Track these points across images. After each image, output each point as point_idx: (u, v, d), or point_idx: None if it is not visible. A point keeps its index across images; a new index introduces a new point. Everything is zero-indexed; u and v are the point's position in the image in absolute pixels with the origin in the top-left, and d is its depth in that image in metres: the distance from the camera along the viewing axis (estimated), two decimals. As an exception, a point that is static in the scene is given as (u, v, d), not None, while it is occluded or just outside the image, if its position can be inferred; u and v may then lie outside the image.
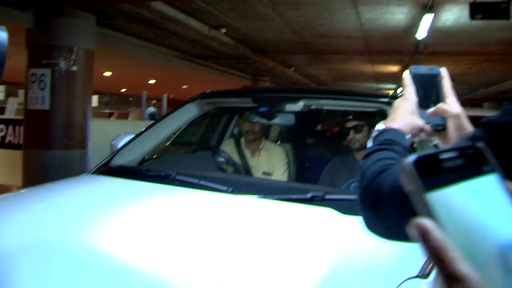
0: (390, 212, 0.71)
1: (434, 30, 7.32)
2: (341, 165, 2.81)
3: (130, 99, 22.45)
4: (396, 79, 16.61)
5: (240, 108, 3.16)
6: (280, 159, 3.15)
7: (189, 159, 3.01)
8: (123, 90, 20.71)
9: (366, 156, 0.90)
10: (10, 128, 7.01)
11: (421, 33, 7.36)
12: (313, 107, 2.74)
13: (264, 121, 2.68)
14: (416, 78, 0.98)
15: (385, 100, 2.50)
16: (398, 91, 20.09)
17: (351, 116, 2.70)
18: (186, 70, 12.01)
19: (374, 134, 1.12)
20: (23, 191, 2.20)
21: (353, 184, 2.69)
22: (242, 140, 3.25)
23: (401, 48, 9.57)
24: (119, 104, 19.09)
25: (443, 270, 0.36)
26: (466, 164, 0.43)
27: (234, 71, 14.15)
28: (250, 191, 1.93)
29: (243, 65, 12.26)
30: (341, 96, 2.80)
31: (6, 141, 7.03)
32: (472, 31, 7.64)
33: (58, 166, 5.91)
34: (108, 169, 2.36)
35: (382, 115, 2.64)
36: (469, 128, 0.96)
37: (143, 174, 2.20)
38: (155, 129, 2.78)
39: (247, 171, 2.97)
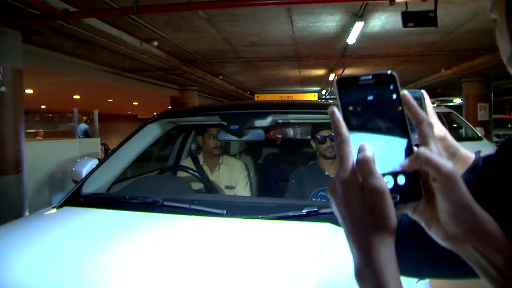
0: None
1: (362, 36, 7.66)
2: (306, 174, 2.86)
3: (50, 115, 21.43)
4: (321, 82, 17.15)
5: (200, 126, 3.15)
6: (241, 171, 3.18)
7: (158, 181, 2.95)
8: (43, 106, 19.78)
9: None
10: None
11: (351, 39, 7.67)
12: (280, 121, 2.78)
13: (234, 138, 2.68)
14: None
15: None
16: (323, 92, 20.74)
17: (328, 125, 2.76)
18: (113, 83, 11.72)
19: None
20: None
21: (320, 193, 2.76)
22: (200, 157, 3.25)
23: (329, 53, 9.90)
24: (42, 123, 18.14)
25: (337, 133, 0.55)
26: (376, 83, 0.60)
27: (162, 83, 13.97)
28: (244, 213, 1.93)
29: (172, 76, 12.14)
30: (305, 110, 2.86)
31: None
32: (396, 35, 8.07)
33: (-8, 193, 5.57)
34: (86, 200, 2.23)
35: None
36: (456, 145, 0.91)
37: (127, 202, 2.09)
38: (120, 153, 2.70)
39: (210, 188, 2.95)
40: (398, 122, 0.59)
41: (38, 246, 1.71)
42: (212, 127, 3.02)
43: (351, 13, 6.41)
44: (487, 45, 9.22)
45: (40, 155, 6.69)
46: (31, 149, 6.23)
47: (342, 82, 0.60)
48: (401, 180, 0.57)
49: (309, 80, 16.68)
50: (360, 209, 0.54)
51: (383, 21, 6.99)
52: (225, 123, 2.60)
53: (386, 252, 0.53)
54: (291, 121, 2.88)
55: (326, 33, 7.83)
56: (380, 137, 0.58)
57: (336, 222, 1.71)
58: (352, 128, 0.58)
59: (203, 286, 1.31)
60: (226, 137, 2.70)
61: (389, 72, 0.61)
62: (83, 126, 13.86)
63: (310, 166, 2.90)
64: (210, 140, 3.07)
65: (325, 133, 2.75)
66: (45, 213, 2.26)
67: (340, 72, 13.16)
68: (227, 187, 3.12)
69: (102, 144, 9.50)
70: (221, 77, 14.15)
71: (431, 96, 0.98)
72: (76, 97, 15.52)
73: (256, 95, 20.24)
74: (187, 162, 3.28)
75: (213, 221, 1.88)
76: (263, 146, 4.14)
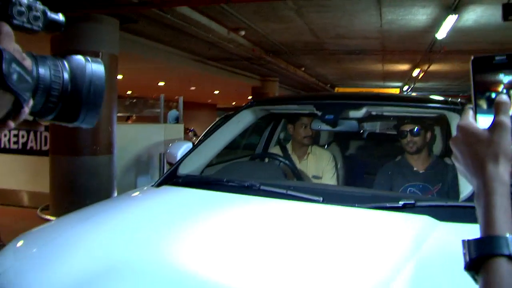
0: None
1: (453, 30, 7.33)
2: (394, 169, 2.80)
3: (134, 101, 22.37)
4: (403, 77, 16.64)
5: (292, 114, 3.15)
6: (328, 162, 3.17)
7: (250, 166, 3.00)
8: (129, 92, 20.69)
9: None
10: (32, 134, 7.01)
11: (442, 33, 7.36)
12: (374, 113, 2.73)
13: (328, 128, 2.67)
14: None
15: (447, 106, 2.50)
16: (405, 88, 20.08)
17: (409, 119, 2.69)
18: (197, 71, 12.01)
19: None
20: (93, 207, 2.11)
21: (409, 189, 2.69)
22: (288, 146, 3.25)
23: (416, 47, 9.59)
24: (131, 107, 19.02)
25: (498, 117, 0.67)
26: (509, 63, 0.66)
27: (243, 72, 14.16)
28: (340, 201, 1.92)
29: (255, 66, 12.27)
30: (403, 103, 2.80)
31: (28, 147, 7.03)
32: (490, 30, 7.66)
33: (86, 172, 5.91)
34: (184, 180, 2.31)
35: (443, 121, 2.65)
36: None
37: (224, 185, 2.16)
38: (214, 138, 2.77)
39: (298, 177, 2.96)
40: None
41: (145, 220, 1.79)
42: (305, 116, 3.01)
43: (444, 6, 6.14)
44: None
45: (128, 138, 7.00)
46: (120, 132, 6.53)
47: (477, 61, 0.70)
48: None
49: (391, 75, 16.25)
50: (480, 144, 0.68)
51: (478, 14, 6.65)
52: (318, 113, 2.59)
53: (499, 179, 0.66)
54: (384, 113, 2.81)
55: (415, 26, 7.57)
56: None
57: (433, 215, 1.69)
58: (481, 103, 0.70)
59: (301, 270, 1.31)
60: (320, 126, 2.70)
61: None
62: (175, 112, 14.29)
63: (398, 162, 2.83)
64: (301, 129, 3.07)
65: (406, 127, 2.68)
66: (147, 190, 2.34)
67: (425, 67, 12.67)
68: (314, 176, 3.12)
69: (191, 130, 9.79)
70: (303, 68, 14.11)
71: None
72: (161, 83, 16.08)
73: (336, 88, 20.00)
74: (275, 150, 3.31)
75: (310, 207, 1.89)
76: (351, 138, 4.10)
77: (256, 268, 1.33)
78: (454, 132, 2.31)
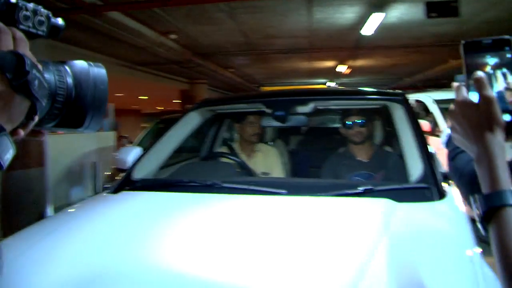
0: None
1: (378, 27, 7.67)
2: (339, 160, 2.89)
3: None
4: (328, 73, 17.15)
5: (239, 114, 3.18)
6: (276, 158, 3.23)
7: (204, 166, 2.99)
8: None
9: (453, 158, 1.23)
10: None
11: (367, 30, 7.68)
12: (321, 107, 2.82)
13: (278, 124, 2.72)
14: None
15: (389, 97, 2.63)
16: (330, 83, 20.71)
17: (356, 111, 2.79)
18: (125, 77, 11.74)
19: (445, 138, 1.33)
20: (52, 219, 2.01)
21: (356, 178, 2.79)
22: (235, 145, 3.28)
23: (342, 44, 9.92)
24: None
25: (481, 92, 0.78)
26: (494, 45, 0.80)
27: (172, 76, 14.01)
28: (303, 191, 1.97)
29: (184, 69, 12.17)
30: (348, 96, 2.91)
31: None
32: (412, 26, 8.09)
33: (17, 188, 5.62)
34: (143, 184, 2.26)
35: (386, 112, 2.79)
36: None
37: (185, 185, 2.14)
38: (163, 141, 2.74)
39: (250, 174, 3.00)
40: (510, 76, 0.80)
41: (108, 227, 1.74)
42: (252, 114, 3.05)
43: (370, 4, 6.42)
44: (495, 34, 9.18)
45: (59, 149, 6.72)
46: (51, 143, 6.25)
47: (467, 45, 0.83)
48: (507, 117, 0.79)
49: (317, 72, 16.68)
50: (475, 114, 0.79)
51: (401, 11, 7.01)
52: (267, 110, 2.65)
53: (497, 143, 0.78)
54: (330, 107, 2.91)
55: (343, 24, 7.86)
56: (495, 87, 0.80)
57: (391, 197, 1.79)
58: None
59: (283, 260, 1.34)
60: (270, 123, 2.75)
61: (506, 36, 0.82)
62: (110, 120, 13.87)
63: (342, 153, 2.93)
64: (249, 127, 3.11)
65: (352, 119, 2.78)
66: (106, 197, 2.26)
67: (350, 63, 13.17)
68: (263, 173, 3.16)
69: (125, 137, 9.55)
70: (232, 69, 14.18)
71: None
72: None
73: (263, 88, 20.24)
74: (223, 150, 3.32)
75: (277, 199, 1.92)
76: (294, 134, 4.18)
77: (240, 261, 1.33)
78: (396, 121, 2.46)
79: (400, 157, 2.68)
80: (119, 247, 1.52)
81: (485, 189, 0.78)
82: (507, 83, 0.82)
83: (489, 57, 0.81)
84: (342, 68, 14.65)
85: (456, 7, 5.17)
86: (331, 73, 17.08)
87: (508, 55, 0.81)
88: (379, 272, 1.24)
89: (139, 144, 7.38)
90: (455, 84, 0.85)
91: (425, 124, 4.45)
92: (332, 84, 20.78)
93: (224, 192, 2.04)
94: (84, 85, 0.71)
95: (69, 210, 2.12)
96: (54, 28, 0.71)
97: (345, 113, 2.85)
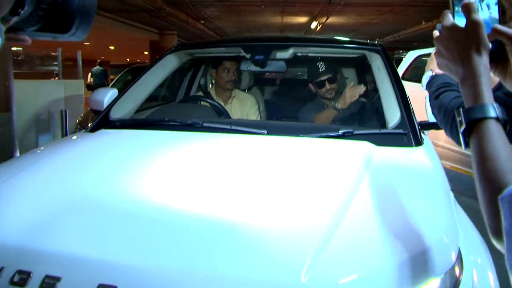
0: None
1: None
2: (314, 109, 2.93)
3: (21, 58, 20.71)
4: (301, 30, 17.05)
5: (214, 59, 3.16)
6: (252, 105, 3.23)
7: (182, 109, 2.96)
8: (14, 48, 19.11)
9: (437, 96, 1.27)
10: None
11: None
12: (299, 54, 2.82)
13: (257, 68, 2.72)
14: None
15: (367, 46, 2.65)
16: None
17: (324, 69, 2.81)
18: (93, 24, 11.34)
19: (426, 80, 1.39)
20: (31, 154, 1.98)
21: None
22: (211, 91, 3.27)
23: (316, -1, 9.83)
24: (26, 63, 17.61)
25: (470, 16, 0.82)
26: None
27: (142, 25, 13.66)
28: (283, 132, 1.99)
29: (154, 19, 11.88)
30: (327, 44, 2.89)
31: None
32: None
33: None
34: (122, 123, 2.23)
35: (363, 61, 2.82)
36: None
37: (166, 124, 2.13)
38: (140, 83, 2.70)
39: (227, 118, 3.00)
40: (493, 6, 0.87)
41: (89, 161, 1.73)
42: (228, 60, 3.03)
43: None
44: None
45: (26, 95, 6.55)
46: (17, 89, 6.07)
47: None
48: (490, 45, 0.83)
49: (289, 28, 16.57)
50: (464, 37, 0.83)
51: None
52: (246, 55, 2.65)
53: (483, 64, 0.81)
54: (309, 54, 2.91)
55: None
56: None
57: (371, 140, 1.85)
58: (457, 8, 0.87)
59: (269, 197, 1.36)
60: (249, 67, 2.74)
61: None
62: (99, 68, 13.54)
63: (317, 102, 2.96)
64: (224, 73, 3.09)
65: (323, 77, 2.82)
66: (84, 135, 2.22)
67: (323, 20, 13.09)
68: (239, 119, 3.18)
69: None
70: (202, 21, 13.92)
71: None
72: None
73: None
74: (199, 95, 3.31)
75: (258, 139, 1.94)
76: (266, 84, 4.19)
77: (226, 195, 1.35)
78: (375, 70, 2.49)
79: (375, 106, 2.79)
80: (100, 179, 1.51)
81: (468, 104, 0.82)
82: (491, 13, 0.87)
83: None
84: (313, 25, 14.56)
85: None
86: (302, 30, 16.98)
87: None
88: (363, 203, 1.29)
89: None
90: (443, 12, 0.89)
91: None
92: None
93: (204, 131, 2.04)
94: None
95: (47, 147, 2.09)
96: None
97: (314, 72, 2.86)
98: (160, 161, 1.68)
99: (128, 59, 26.33)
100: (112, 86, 7.68)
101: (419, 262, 1.07)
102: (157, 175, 1.54)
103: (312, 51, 2.86)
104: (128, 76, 7.97)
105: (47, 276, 1.03)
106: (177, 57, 2.88)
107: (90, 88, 12.25)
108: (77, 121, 5.73)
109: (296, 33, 18.42)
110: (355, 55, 2.86)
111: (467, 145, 0.82)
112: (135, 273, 1.03)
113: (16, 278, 1.03)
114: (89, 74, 14.60)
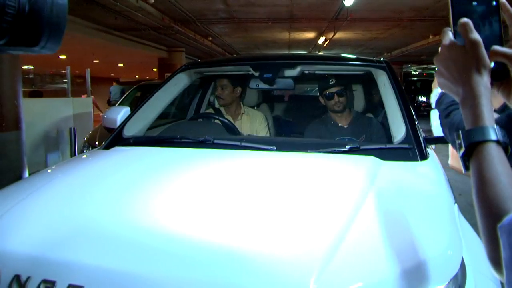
0: None
1: (360, -3, 7.66)
2: (321, 126, 2.94)
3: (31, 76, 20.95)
4: (308, 45, 17.12)
5: (224, 76, 3.18)
6: (261, 122, 3.25)
7: (192, 126, 2.97)
8: (26, 67, 19.35)
9: (448, 115, 1.27)
10: None
11: (349, 0, 7.65)
12: (306, 71, 2.83)
13: (266, 86, 2.74)
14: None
15: (373, 64, 2.67)
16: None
17: (334, 82, 2.83)
18: (102, 42, 11.49)
19: (435, 97, 1.38)
20: (46, 172, 1.99)
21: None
22: (222, 108, 3.28)
23: (323, 15, 9.88)
24: (36, 81, 17.85)
25: (468, 35, 0.79)
26: None
27: (150, 43, 13.78)
28: (292, 148, 2.03)
29: (162, 36, 11.97)
30: (334, 61, 2.93)
31: None
32: (393, -2, 8.09)
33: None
34: (136, 140, 2.27)
35: (369, 78, 2.84)
36: None
37: (179, 141, 2.17)
38: (152, 102, 2.72)
39: (238, 134, 3.02)
40: (495, 23, 0.82)
41: (109, 182, 1.72)
42: (224, 78, 3.07)
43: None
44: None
45: (35, 113, 6.59)
46: (26, 107, 6.11)
47: None
48: (491, 64, 0.80)
49: (297, 44, 16.65)
50: (463, 57, 0.80)
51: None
52: (254, 73, 2.69)
53: (483, 84, 0.78)
54: (316, 72, 2.94)
55: (324, -7, 7.80)
56: (480, 33, 0.80)
57: (377, 155, 1.86)
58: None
59: (279, 210, 1.37)
60: (258, 85, 2.76)
61: None
62: (118, 87, 13.79)
63: (323, 119, 2.98)
64: (218, 91, 3.12)
65: (332, 90, 2.83)
66: (100, 152, 2.24)
67: (331, 35, 13.13)
68: (249, 135, 3.18)
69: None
70: (210, 38, 14.01)
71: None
72: (62, 57, 15.20)
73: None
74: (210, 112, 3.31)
75: (268, 155, 1.97)
76: (274, 101, 4.22)
77: (236, 215, 1.34)
78: (380, 86, 2.51)
79: (381, 122, 2.86)
80: (116, 195, 1.53)
81: (468, 126, 0.79)
82: (492, 31, 0.83)
83: (476, 5, 0.83)
84: (321, 40, 14.63)
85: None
86: (310, 45, 17.05)
87: (494, 3, 0.83)
88: (368, 215, 1.32)
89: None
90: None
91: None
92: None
93: (215, 148, 2.08)
94: None
95: (64, 163, 2.11)
96: None
97: (324, 85, 2.88)
98: (173, 178, 1.71)
99: (137, 76, 26.56)
100: (121, 102, 7.69)
101: (423, 270, 1.10)
102: (171, 192, 1.56)
103: (319, 69, 2.89)
104: (137, 93, 8.01)
105: (70, 285, 1.07)
106: (187, 76, 2.91)
107: (110, 104, 12.55)
108: (85, 138, 5.75)
109: (304, 49, 18.53)
110: (361, 72, 2.87)
111: (467, 168, 0.79)
112: (155, 284, 1.07)
113: (41, 287, 1.09)
114: (110, 91, 14.90)
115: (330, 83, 2.84)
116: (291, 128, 3.66)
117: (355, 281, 1.04)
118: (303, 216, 1.33)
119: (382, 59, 2.76)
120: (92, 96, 8.65)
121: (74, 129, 6.41)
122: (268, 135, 3.24)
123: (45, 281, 1.09)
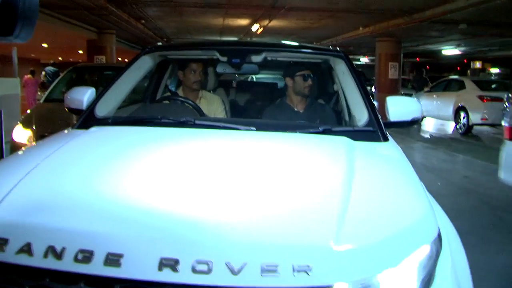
0: None
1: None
2: (277, 110, 3.06)
3: None
4: (240, 32, 17.17)
5: (182, 61, 3.22)
6: (219, 105, 3.33)
7: (162, 108, 2.97)
8: None
9: None
10: None
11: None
12: (269, 58, 2.94)
13: (232, 70, 2.83)
14: None
15: (331, 53, 2.83)
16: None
17: (304, 67, 2.95)
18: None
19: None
20: (30, 148, 2.00)
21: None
22: (179, 91, 3.31)
23: (261, 2, 9.96)
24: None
25: None
26: None
27: (80, 23, 13.24)
28: (270, 128, 2.17)
29: (94, 17, 11.56)
30: (296, 49, 3.08)
31: None
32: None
33: None
34: (114, 121, 2.28)
35: (325, 67, 3.07)
36: None
37: (159, 122, 2.21)
38: (118, 84, 2.70)
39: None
40: None
41: (91, 161, 1.73)
42: (194, 62, 3.12)
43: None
44: (407, 6, 9.79)
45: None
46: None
47: None
48: None
49: (229, 30, 16.63)
50: None
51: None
52: (221, 57, 2.78)
53: None
54: (279, 59, 3.07)
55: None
56: None
57: (348, 136, 2.06)
58: None
59: (266, 186, 1.49)
60: (225, 70, 2.85)
61: None
62: (52, 68, 13.02)
63: (279, 104, 3.10)
64: (191, 75, 3.16)
65: (307, 72, 2.96)
66: (77, 132, 2.20)
67: (265, 23, 13.28)
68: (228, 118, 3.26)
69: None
70: (143, 21, 13.70)
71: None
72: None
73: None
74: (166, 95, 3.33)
75: (250, 134, 2.10)
76: (228, 86, 4.31)
77: (224, 191, 1.44)
78: (339, 74, 2.68)
79: (332, 108, 3.09)
80: (123, 168, 1.62)
81: None
82: None
83: None
84: (254, 28, 14.73)
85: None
86: (242, 32, 17.10)
87: None
88: (362, 183, 1.52)
89: (50, 93, 6.95)
90: None
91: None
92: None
93: (198, 127, 2.17)
94: None
95: (40, 144, 2.08)
96: None
97: (296, 66, 2.98)
98: (167, 152, 1.81)
99: (60, 58, 25.34)
100: (56, 84, 7.32)
101: (415, 230, 1.31)
102: (168, 165, 1.66)
103: (282, 56, 3.01)
104: (73, 75, 7.62)
105: (109, 254, 1.10)
106: (152, 58, 2.92)
107: (44, 86, 12.12)
108: (18, 123, 5.51)
109: (236, 36, 18.55)
110: (320, 60, 3.03)
111: None
112: (195, 246, 1.13)
113: (79, 257, 1.10)
114: (43, 74, 14.20)
115: (300, 66, 2.97)
116: (248, 112, 3.76)
117: (373, 236, 1.21)
118: (306, 186, 1.49)
119: (338, 48, 2.91)
120: (36, 77, 8.23)
121: (0, 111, 6.10)
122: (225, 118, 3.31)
123: (82, 251, 1.11)
